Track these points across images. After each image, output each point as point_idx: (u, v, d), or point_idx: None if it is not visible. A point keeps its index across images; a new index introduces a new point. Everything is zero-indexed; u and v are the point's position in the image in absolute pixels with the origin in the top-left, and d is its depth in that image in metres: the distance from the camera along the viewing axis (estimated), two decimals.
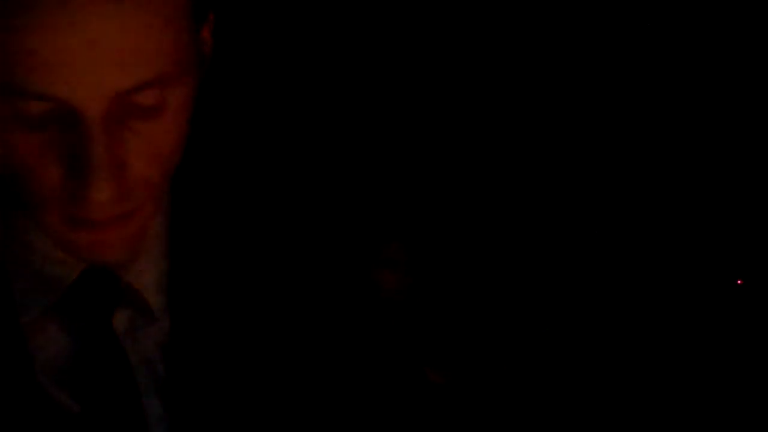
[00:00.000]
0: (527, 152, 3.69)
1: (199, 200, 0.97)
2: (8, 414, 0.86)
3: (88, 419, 0.88)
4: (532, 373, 3.49)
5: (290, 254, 1.02)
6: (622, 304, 3.47)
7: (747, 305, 3.12)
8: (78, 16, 0.74)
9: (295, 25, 3.28)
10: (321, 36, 3.32)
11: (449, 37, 3.60)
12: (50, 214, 0.83)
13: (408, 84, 3.63)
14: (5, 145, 0.79)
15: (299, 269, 1.02)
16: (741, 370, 2.98)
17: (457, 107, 3.69)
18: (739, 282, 3.16)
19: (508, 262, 3.68)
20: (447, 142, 3.72)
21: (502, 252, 3.70)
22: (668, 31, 3.49)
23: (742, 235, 3.37)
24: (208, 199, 0.98)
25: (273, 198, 1.05)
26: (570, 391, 3.36)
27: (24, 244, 0.90)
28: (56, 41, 0.74)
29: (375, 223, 3.20)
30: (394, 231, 3.22)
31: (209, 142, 0.99)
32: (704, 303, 3.24)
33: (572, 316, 3.54)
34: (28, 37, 0.74)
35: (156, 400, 0.92)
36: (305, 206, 1.06)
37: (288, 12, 3.33)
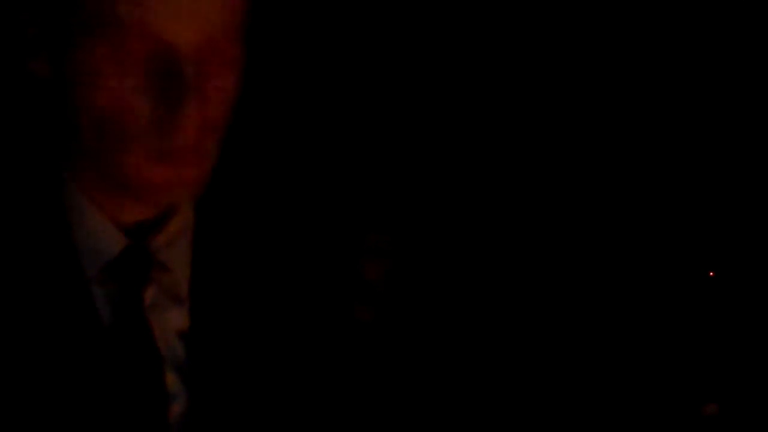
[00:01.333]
0: (513, 144, 3.74)
1: (217, 203, 1.10)
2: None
3: (115, 378, 1.01)
4: (521, 368, 3.55)
5: (289, 251, 1.16)
6: (607, 301, 3.52)
7: (720, 298, 3.17)
8: None
9: (287, 25, 3.33)
10: (312, 35, 3.37)
11: (433, 31, 3.64)
12: (135, 153, 0.95)
13: (392, 78, 3.68)
14: (101, 88, 0.92)
15: (295, 263, 1.16)
16: (728, 365, 3.02)
17: (442, 99, 3.74)
18: (711, 274, 3.20)
19: (494, 253, 3.74)
20: (432, 132, 3.77)
21: (488, 243, 3.76)
22: (668, 31, 3.51)
23: (716, 228, 3.42)
24: (224, 202, 1.11)
25: (278, 200, 1.20)
26: (564, 389, 3.42)
27: (84, 223, 1.04)
28: None
29: (360, 213, 3.25)
30: (378, 221, 3.27)
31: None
32: (682, 297, 3.28)
33: (559, 310, 3.60)
34: None
35: (176, 375, 1.05)
36: (299, 199, 1.17)
37: (280, 10, 3.38)
